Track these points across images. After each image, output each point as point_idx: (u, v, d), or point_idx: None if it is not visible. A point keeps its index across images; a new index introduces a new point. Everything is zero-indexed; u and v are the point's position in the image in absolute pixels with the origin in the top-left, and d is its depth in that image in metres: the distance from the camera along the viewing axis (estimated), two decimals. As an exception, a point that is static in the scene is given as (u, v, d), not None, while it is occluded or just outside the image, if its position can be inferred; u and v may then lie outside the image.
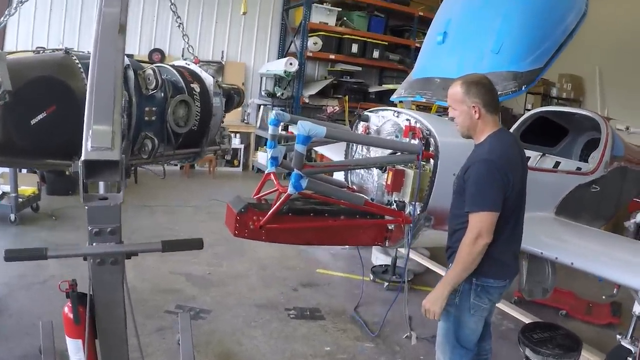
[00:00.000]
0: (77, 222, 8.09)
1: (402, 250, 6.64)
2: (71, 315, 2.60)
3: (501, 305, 6.19)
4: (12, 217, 7.62)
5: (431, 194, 4.63)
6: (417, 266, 7.20)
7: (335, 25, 13.71)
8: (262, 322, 5.48)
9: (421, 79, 5.75)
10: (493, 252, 3.48)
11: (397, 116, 5.09)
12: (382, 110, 5.43)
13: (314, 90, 13.55)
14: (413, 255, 7.28)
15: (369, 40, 13.98)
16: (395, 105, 6.15)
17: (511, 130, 7.11)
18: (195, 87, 3.65)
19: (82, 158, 2.09)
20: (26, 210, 8.12)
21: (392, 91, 13.60)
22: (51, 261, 6.26)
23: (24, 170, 8.85)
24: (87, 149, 2.10)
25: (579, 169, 6.60)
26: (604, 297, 6.41)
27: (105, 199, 2.23)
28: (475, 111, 3.54)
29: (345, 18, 13.96)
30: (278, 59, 14.11)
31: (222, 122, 4.02)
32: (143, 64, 3.52)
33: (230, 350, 4.87)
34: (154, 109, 3.33)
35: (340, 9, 13.76)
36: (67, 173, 9.66)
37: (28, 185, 8.32)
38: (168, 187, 10.57)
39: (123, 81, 2.98)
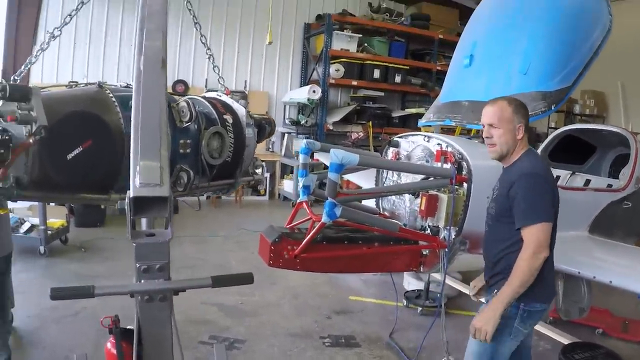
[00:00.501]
0: (105, 254, 8.14)
1: (435, 275, 6.62)
2: (114, 351, 2.59)
3: (537, 327, 6.10)
4: (42, 249, 7.66)
5: (466, 217, 4.60)
6: (450, 290, 7.11)
7: (357, 51, 13.77)
8: (297, 351, 5.45)
9: (449, 103, 5.74)
10: (543, 271, 3.41)
11: (428, 141, 5.07)
12: (412, 135, 5.41)
13: (337, 116, 13.58)
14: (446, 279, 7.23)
15: (390, 65, 14.02)
16: (420, 130, 6.13)
17: (539, 150, 7.07)
18: (228, 118, 3.62)
19: (131, 195, 2.07)
20: (55, 242, 8.15)
21: (416, 115, 13.78)
22: None
23: (52, 203, 8.91)
24: (136, 185, 2.08)
25: (609, 186, 6.55)
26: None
27: (152, 235, 2.20)
28: (519, 131, 3.55)
29: (366, 44, 14.01)
30: (300, 86, 14.14)
31: (254, 152, 4.01)
32: (176, 97, 3.52)
33: (267, 381, 4.86)
34: (188, 141, 3.31)
35: (360, 35, 13.84)
36: (102, 207, 9.72)
37: (57, 218, 8.33)
38: (196, 217, 10.57)
39: None
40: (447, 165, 4.70)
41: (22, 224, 7.83)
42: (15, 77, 2.98)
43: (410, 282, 7.30)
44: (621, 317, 6.57)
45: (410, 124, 14.36)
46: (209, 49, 4.12)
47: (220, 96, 3.97)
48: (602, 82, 14.70)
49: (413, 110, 14.51)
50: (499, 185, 3.67)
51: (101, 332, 5.28)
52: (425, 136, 5.16)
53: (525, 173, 3.45)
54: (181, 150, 3.24)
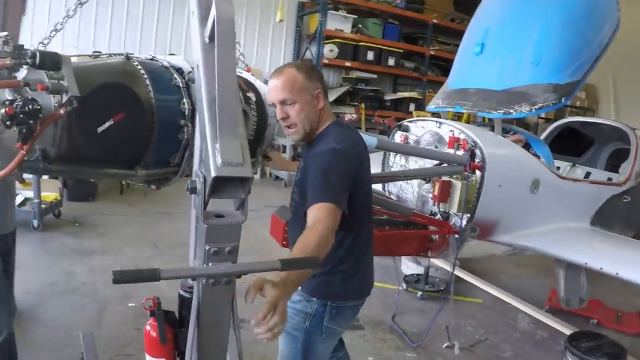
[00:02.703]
0: (99, 229, 8.07)
1: (433, 260, 6.69)
2: (154, 334, 2.57)
3: (534, 314, 6.28)
4: (35, 223, 7.53)
5: (478, 204, 4.66)
6: (447, 275, 7.18)
7: (351, 32, 13.71)
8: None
9: (460, 90, 5.78)
10: (353, 266, 3.06)
11: (439, 127, 5.11)
12: (422, 120, 5.47)
13: (330, 97, 13.27)
14: (443, 265, 7.30)
15: (384, 47, 13.98)
16: (438, 115, 6.13)
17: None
18: (252, 96, 3.44)
19: (213, 174, 1.99)
20: (48, 216, 8.02)
21: (408, 99, 13.71)
22: (80, 269, 6.34)
23: (46, 176, 8.77)
24: (217, 164, 1.99)
25: (609, 179, 6.63)
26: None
27: (221, 216, 2.14)
28: (318, 99, 2.95)
29: (360, 25, 13.95)
30: (293, 66, 13.98)
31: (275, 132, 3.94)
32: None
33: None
34: None
35: (355, 16, 13.77)
36: (123, 183, 9.68)
37: (50, 191, 8.23)
38: (184, 194, 10.41)
39: (188, 90, 2.89)
40: (461, 152, 4.75)
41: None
42: (42, 44, 2.88)
43: (409, 266, 7.34)
44: (614, 309, 6.70)
45: (401, 107, 14.39)
46: None
47: (241, 73, 3.89)
48: (594, 75, 14.79)
49: (405, 94, 14.56)
50: (302, 165, 3.08)
51: (102, 309, 5.44)
52: (437, 122, 5.19)
53: (326, 149, 2.81)
54: (207, 129, 3.12)
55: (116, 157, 2.79)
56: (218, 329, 2.34)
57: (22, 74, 2.32)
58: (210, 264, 2.09)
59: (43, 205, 7.68)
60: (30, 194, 7.64)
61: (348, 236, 2.97)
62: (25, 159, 2.34)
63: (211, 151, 2.01)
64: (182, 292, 2.48)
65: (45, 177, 8.49)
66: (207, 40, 2.18)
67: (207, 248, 2.07)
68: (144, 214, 9.07)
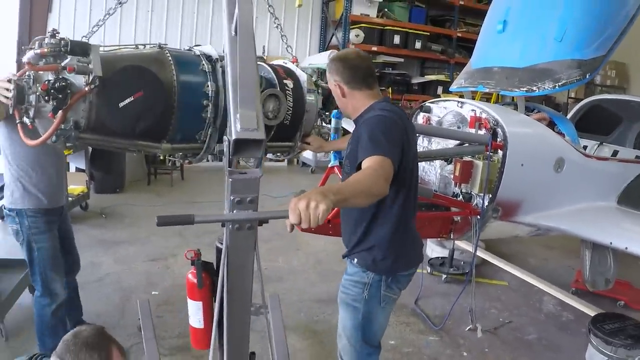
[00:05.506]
0: (126, 220, 8.17)
1: (458, 243, 6.62)
2: (194, 280, 2.99)
3: (560, 296, 6.16)
4: (62, 216, 7.58)
5: (500, 184, 4.58)
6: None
7: (377, 16, 13.62)
8: (324, 317, 5.47)
9: (482, 69, 5.68)
10: (402, 237, 3.21)
11: (461, 107, 5.04)
12: (444, 100, 5.39)
13: (358, 83, 13.36)
14: (468, 247, 7.23)
15: (410, 31, 13.86)
16: (461, 96, 6.03)
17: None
18: (288, 83, 3.72)
19: (233, 137, 2.40)
20: (75, 209, 8.10)
21: (435, 82, 13.56)
22: (105, 260, 6.47)
23: (73, 169, 8.90)
24: (237, 129, 2.39)
25: (637, 157, 6.49)
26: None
27: (244, 173, 2.50)
28: (339, 89, 3.29)
29: (386, 9, 13.84)
30: (320, 52, 13.94)
31: (320, 119, 4.03)
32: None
33: (294, 346, 4.82)
34: None
35: (381, 0, 13.63)
36: (150, 174, 10.10)
37: (77, 184, 8.29)
38: (215, 184, 10.45)
39: (214, 74, 3.26)
40: (482, 132, 4.68)
41: (41, 191, 7.78)
42: (85, 37, 3.22)
43: (434, 250, 7.30)
44: (643, 290, 6.57)
45: (429, 90, 14.25)
46: (276, 18, 4.25)
47: (285, 63, 4.06)
48: (624, 53, 14.51)
49: (433, 77, 14.41)
50: (350, 140, 3.27)
51: (125, 297, 5.55)
52: (458, 102, 5.12)
53: (368, 117, 3.09)
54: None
55: (139, 129, 3.12)
56: (243, 271, 2.73)
57: (65, 60, 2.76)
58: (235, 212, 2.48)
59: (70, 199, 7.63)
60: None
61: (397, 201, 3.13)
62: (62, 127, 2.81)
63: (232, 120, 2.46)
64: (218, 245, 2.80)
65: (72, 169, 8.62)
66: (232, 33, 2.63)
67: (232, 198, 2.47)
68: (170, 203, 9.18)
